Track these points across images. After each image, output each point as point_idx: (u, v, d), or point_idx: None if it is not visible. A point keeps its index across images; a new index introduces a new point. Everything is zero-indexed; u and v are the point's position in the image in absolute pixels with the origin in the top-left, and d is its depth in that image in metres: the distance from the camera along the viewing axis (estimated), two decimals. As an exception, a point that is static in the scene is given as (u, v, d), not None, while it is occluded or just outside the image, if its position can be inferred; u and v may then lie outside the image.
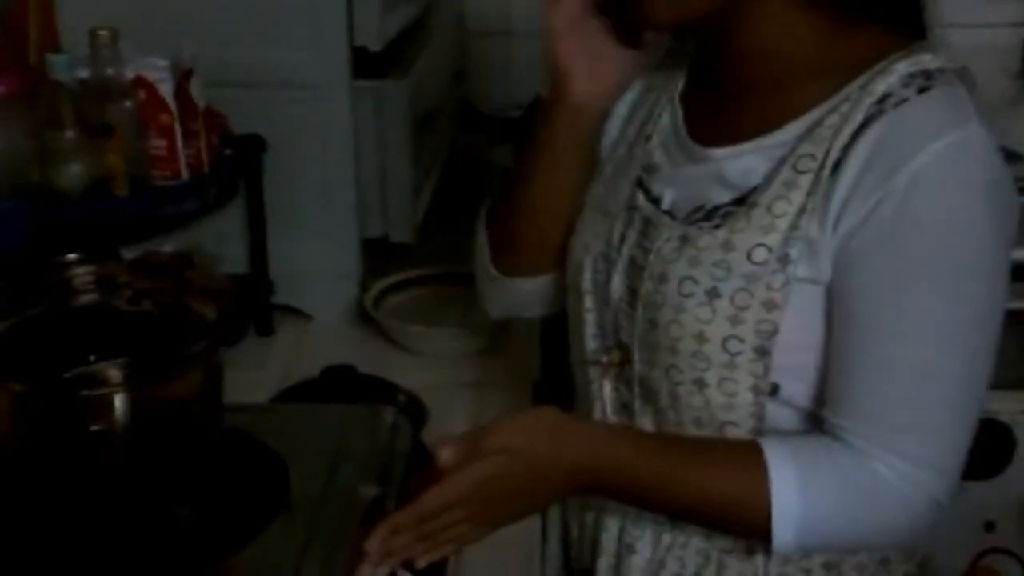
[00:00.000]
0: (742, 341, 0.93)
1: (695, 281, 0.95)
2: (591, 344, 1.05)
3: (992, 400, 1.49)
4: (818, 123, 0.94)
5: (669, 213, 1.00)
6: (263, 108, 1.45)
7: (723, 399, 0.95)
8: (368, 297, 1.53)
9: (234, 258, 1.48)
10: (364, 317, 1.53)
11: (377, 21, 1.44)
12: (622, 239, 1.02)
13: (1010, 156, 2.06)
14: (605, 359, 1.04)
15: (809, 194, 0.93)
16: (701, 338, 0.95)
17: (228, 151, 1.40)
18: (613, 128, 1.11)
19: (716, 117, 1.02)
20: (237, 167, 1.42)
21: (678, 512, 0.99)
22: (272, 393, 1.35)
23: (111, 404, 0.86)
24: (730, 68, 1.01)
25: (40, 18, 1.35)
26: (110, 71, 1.26)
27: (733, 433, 0.96)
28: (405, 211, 1.53)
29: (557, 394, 1.15)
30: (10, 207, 1.21)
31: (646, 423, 1.02)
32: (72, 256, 0.97)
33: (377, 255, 1.63)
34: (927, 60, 0.94)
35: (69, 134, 1.21)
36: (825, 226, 0.92)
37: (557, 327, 1.17)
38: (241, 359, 1.38)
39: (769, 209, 0.94)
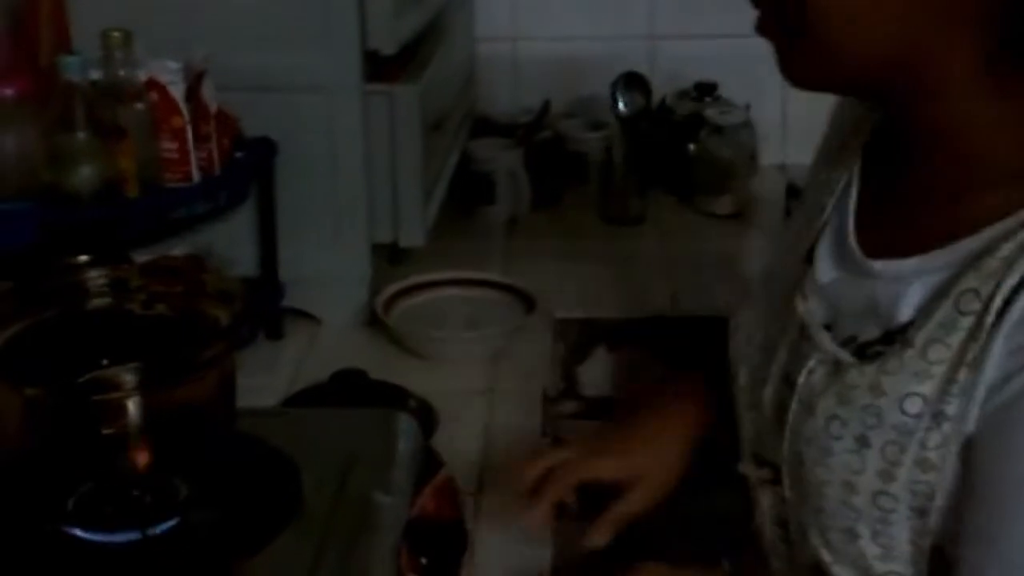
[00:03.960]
0: (896, 499, 0.80)
1: (844, 423, 0.82)
2: (747, 448, 0.96)
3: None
4: (991, 248, 0.76)
5: (828, 327, 0.87)
6: (275, 111, 1.44)
7: (879, 551, 0.83)
8: (378, 301, 1.52)
9: (244, 261, 1.47)
10: (374, 321, 1.52)
11: (390, 25, 1.43)
12: (776, 342, 0.91)
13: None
14: (755, 475, 0.95)
15: (969, 341, 0.76)
16: (850, 488, 0.82)
17: (239, 154, 1.40)
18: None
19: (888, 217, 0.86)
20: (248, 170, 1.42)
21: None
22: (281, 397, 1.35)
23: (124, 408, 0.86)
24: (903, 151, 0.84)
25: (52, 19, 1.34)
26: (122, 73, 1.26)
27: None
28: (416, 215, 1.53)
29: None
30: (20, 208, 1.20)
31: (803, 554, 0.91)
32: (84, 259, 0.96)
33: (388, 259, 1.63)
34: None
35: (80, 136, 1.21)
36: (978, 384, 0.76)
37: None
38: (251, 363, 1.37)
39: (924, 353, 0.78)
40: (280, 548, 0.89)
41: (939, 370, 0.77)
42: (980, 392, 0.75)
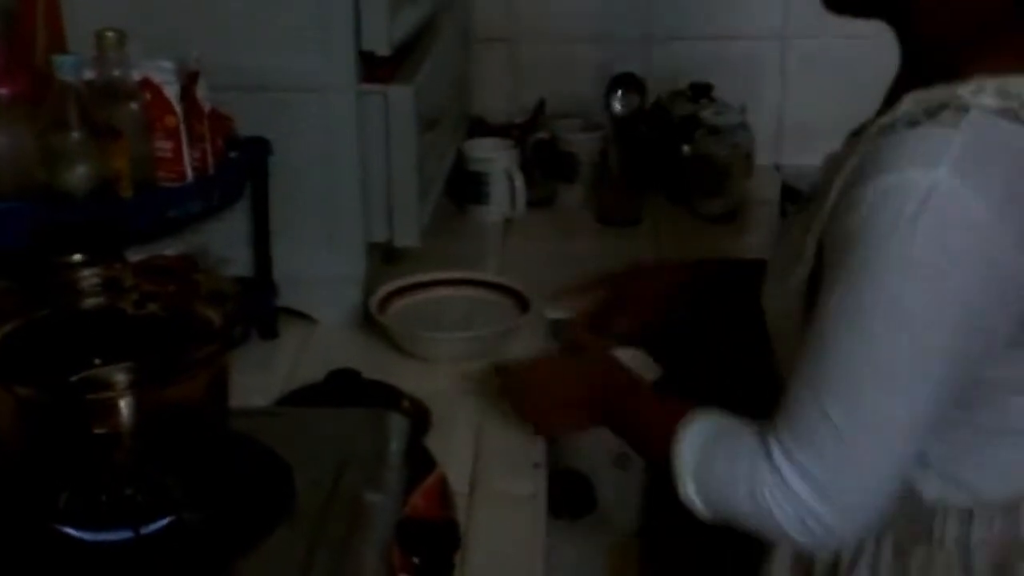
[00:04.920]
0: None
1: (778, 270, 1.10)
2: None
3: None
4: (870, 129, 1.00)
5: None
6: (269, 111, 1.44)
7: None
8: (373, 301, 1.53)
9: (238, 261, 1.47)
10: (368, 321, 1.52)
11: (385, 25, 1.43)
12: None
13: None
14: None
15: (825, 200, 1.00)
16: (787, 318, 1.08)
17: (233, 154, 1.39)
18: None
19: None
20: (242, 170, 1.42)
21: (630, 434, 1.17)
22: (275, 397, 1.35)
23: (116, 408, 0.86)
24: (904, 61, 1.05)
25: (47, 19, 1.34)
26: (116, 73, 1.26)
27: None
28: (410, 215, 1.53)
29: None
30: (14, 208, 1.20)
31: None
32: (78, 258, 0.96)
33: (382, 259, 1.63)
34: (967, 94, 0.94)
35: (75, 135, 1.21)
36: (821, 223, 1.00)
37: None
38: (244, 362, 1.36)
39: (808, 208, 1.04)
40: (273, 547, 0.90)
41: (808, 220, 1.02)
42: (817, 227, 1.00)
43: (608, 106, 1.97)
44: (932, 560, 1.06)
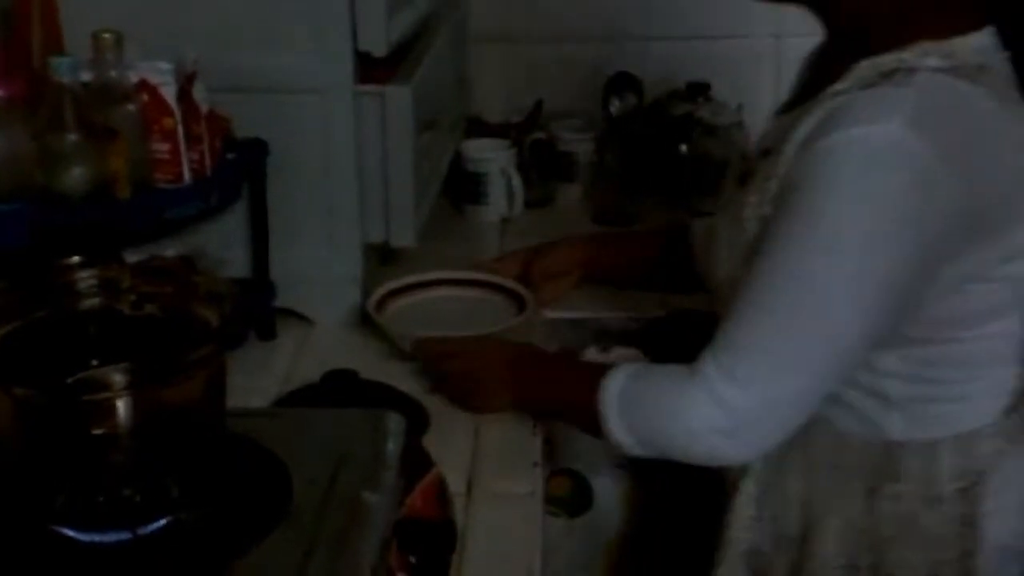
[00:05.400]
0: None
1: (725, 237, 1.19)
2: None
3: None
4: (820, 98, 1.06)
5: None
6: (266, 112, 1.44)
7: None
8: (370, 302, 1.53)
9: (236, 262, 1.48)
10: (366, 322, 1.53)
11: (381, 26, 1.43)
12: None
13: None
14: None
15: (777, 165, 1.07)
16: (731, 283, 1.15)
17: (231, 155, 1.40)
18: None
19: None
20: (240, 171, 1.42)
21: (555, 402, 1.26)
22: (273, 398, 1.35)
23: (114, 409, 0.86)
24: (832, 40, 1.14)
25: (43, 20, 1.34)
26: (113, 74, 1.26)
27: None
28: (407, 216, 1.53)
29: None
30: (11, 209, 1.20)
31: None
32: (75, 259, 0.96)
33: (379, 259, 1.63)
34: (913, 58, 1.02)
35: (72, 137, 1.21)
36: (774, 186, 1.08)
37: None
38: (242, 363, 1.37)
39: (758, 174, 1.11)
40: (270, 548, 0.89)
41: (761, 185, 1.08)
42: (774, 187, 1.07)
43: (605, 106, 1.97)
44: (900, 496, 1.13)
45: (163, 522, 0.89)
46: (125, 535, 0.88)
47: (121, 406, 0.86)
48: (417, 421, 1.27)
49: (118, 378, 0.85)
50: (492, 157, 1.94)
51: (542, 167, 2.01)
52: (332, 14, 1.42)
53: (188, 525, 0.90)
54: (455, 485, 1.14)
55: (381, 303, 1.54)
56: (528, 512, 1.19)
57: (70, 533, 0.88)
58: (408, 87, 1.50)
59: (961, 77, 1.03)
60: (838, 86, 1.05)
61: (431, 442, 1.19)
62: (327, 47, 1.43)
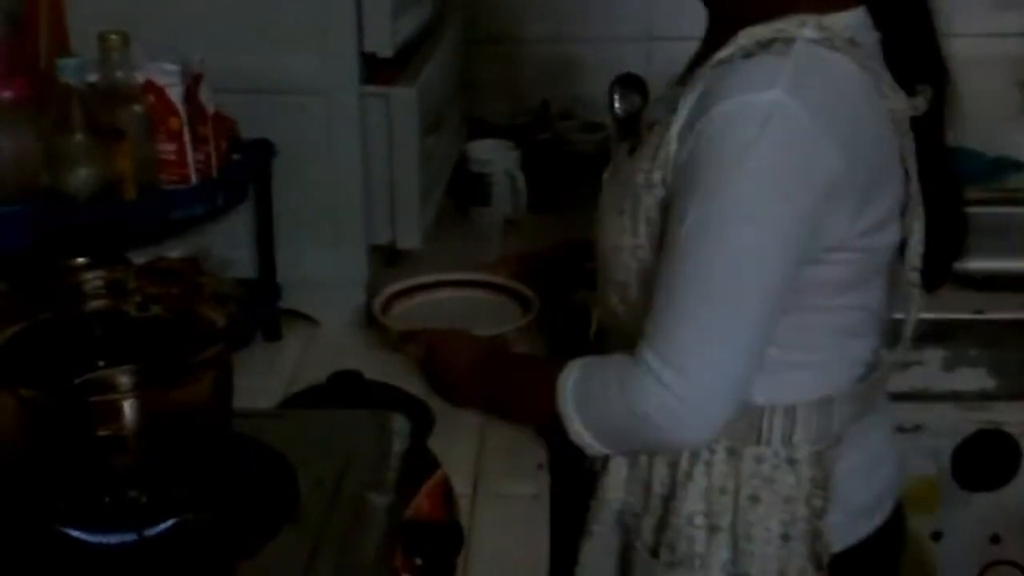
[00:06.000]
0: (646, 250, 1.16)
1: (612, 201, 1.22)
2: None
3: (997, 411, 1.54)
4: (699, 71, 1.10)
5: None
6: (272, 113, 1.44)
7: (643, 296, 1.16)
8: (376, 303, 1.53)
9: (242, 263, 1.48)
10: (371, 323, 1.53)
11: (387, 27, 1.44)
12: None
13: (1017, 166, 2.06)
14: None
15: (668, 130, 1.09)
16: (617, 249, 1.20)
17: (237, 156, 1.40)
18: None
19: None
20: (245, 172, 1.42)
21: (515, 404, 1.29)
22: (279, 399, 1.35)
23: (120, 410, 0.86)
24: (714, 17, 1.18)
25: (50, 21, 1.35)
26: (120, 75, 1.26)
27: None
28: (413, 217, 1.53)
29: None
30: (18, 210, 1.21)
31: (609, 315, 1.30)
32: (81, 261, 0.97)
33: (385, 261, 1.63)
34: (792, 27, 1.06)
35: (78, 138, 1.21)
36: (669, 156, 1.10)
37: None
38: (248, 364, 1.36)
39: (650, 141, 1.13)
40: (276, 549, 0.90)
41: (652, 152, 1.11)
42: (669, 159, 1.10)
43: (611, 107, 1.97)
44: (762, 458, 1.16)
45: (169, 523, 0.89)
46: (131, 536, 0.88)
47: (127, 407, 0.86)
48: (423, 422, 1.27)
49: (124, 379, 0.85)
50: (496, 158, 1.94)
51: (547, 168, 2.00)
52: (338, 15, 1.42)
53: (194, 526, 0.90)
54: (460, 486, 1.14)
55: (387, 304, 1.54)
56: (534, 513, 1.18)
57: (76, 534, 0.88)
58: (413, 88, 1.50)
59: (835, 49, 1.08)
60: (720, 54, 1.09)
61: (436, 443, 1.20)
62: (333, 48, 1.43)
